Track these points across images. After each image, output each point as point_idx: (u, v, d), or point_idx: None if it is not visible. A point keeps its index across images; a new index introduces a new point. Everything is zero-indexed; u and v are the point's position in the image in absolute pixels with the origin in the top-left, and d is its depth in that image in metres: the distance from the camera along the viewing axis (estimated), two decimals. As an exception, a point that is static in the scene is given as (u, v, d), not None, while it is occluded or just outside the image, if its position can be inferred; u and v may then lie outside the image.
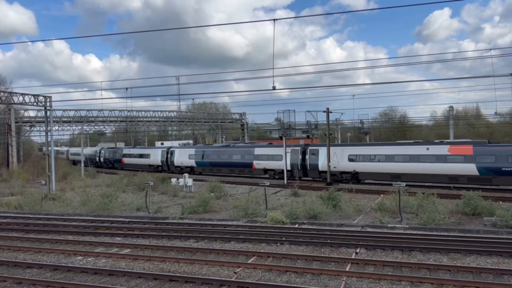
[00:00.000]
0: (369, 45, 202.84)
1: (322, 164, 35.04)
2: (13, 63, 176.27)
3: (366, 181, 35.57)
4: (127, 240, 17.18)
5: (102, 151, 64.53)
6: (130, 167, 56.12)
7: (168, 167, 49.81)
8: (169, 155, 49.52)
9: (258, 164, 40.17)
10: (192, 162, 46.78)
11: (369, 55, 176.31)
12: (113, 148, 67.95)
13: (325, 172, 34.59)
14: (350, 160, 33.64)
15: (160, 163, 50.73)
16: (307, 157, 36.41)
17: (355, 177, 33.91)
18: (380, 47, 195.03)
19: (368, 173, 33.16)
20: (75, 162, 70.74)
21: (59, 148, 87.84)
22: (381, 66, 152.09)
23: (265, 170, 39.95)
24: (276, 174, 39.02)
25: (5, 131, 52.62)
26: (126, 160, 57.50)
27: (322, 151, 35.23)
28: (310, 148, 36.82)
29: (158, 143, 76.10)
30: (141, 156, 54.68)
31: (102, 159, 63.74)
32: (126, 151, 59.34)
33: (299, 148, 37.40)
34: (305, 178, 37.20)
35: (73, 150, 79.51)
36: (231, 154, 43.22)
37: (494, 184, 27.93)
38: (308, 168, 36.34)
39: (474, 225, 18.12)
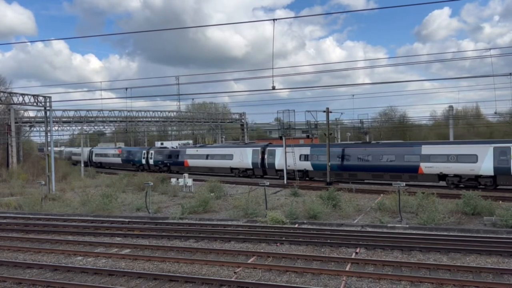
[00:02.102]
0: (368, 44, 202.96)
1: None
2: (12, 63, 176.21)
3: (365, 180, 33.35)
4: (127, 240, 17.18)
5: (152, 152, 53.61)
6: (198, 171, 45.35)
7: (263, 171, 40.05)
8: (266, 156, 39.39)
9: (429, 167, 30.06)
10: (305, 165, 36.59)
11: (368, 55, 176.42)
12: (166, 147, 57.11)
13: None
14: None
15: (250, 166, 40.68)
16: None
17: None
18: (379, 47, 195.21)
19: None
20: (101, 165, 63.72)
21: (72, 149, 78.35)
22: (380, 66, 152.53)
23: (442, 176, 29.90)
24: (461, 181, 29.04)
25: (4, 131, 52.58)
26: (192, 162, 46.55)
27: None
28: None
29: (157, 143, 75.69)
30: (218, 157, 44.17)
31: (151, 161, 52.88)
32: (191, 151, 48.20)
33: (510, 145, 27.48)
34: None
35: (98, 150, 68.87)
36: (378, 154, 32.75)
37: None
38: None
39: (474, 225, 18.13)
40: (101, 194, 26.09)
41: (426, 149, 30.85)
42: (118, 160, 59.74)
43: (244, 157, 41.22)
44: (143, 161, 54.28)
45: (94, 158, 65.37)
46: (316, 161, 35.99)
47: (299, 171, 36.27)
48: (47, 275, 12.76)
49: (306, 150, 37.04)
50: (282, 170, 37.41)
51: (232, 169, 42.49)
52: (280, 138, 37.96)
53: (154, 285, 11.56)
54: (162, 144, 72.04)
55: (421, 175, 30.60)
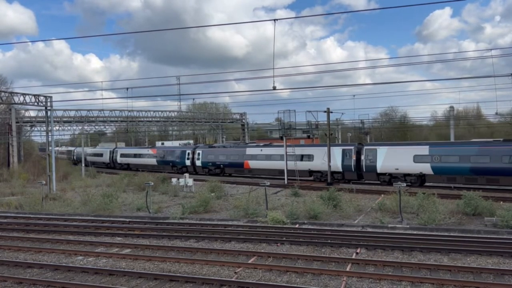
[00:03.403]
0: (369, 45, 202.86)
1: None
2: (13, 63, 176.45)
3: (366, 181, 32.84)
4: (128, 240, 17.19)
5: (199, 151, 46.45)
6: (263, 174, 39.70)
7: (358, 175, 33.84)
8: (363, 156, 33.01)
9: None
10: (422, 168, 30.23)
11: (369, 55, 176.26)
12: (216, 146, 50.01)
13: None
14: None
15: (340, 169, 34.37)
16: None
17: None
18: (380, 47, 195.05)
19: None
20: (128, 167, 56.66)
21: (91, 149, 69.30)
22: (381, 66, 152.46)
23: None
24: None
25: (5, 131, 52.66)
26: (254, 163, 40.31)
27: None
28: None
29: (158, 143, 75.37)
30: (292, 157, 37.12)
31: (198, 163, 45.94)
32: (254, 150, 41.58)
33: None
34: None
35: (125, 150, 61.32)
36: None
37: None
38: None
39: (475, 225, 18.12)
40: (101, 194, 26.12)
41: None
42: (151, 161, 52.50)
43: (332, 158, 34.62)
44: (187, 163, 47.37)
45: (119, 159, 58.44)
46: (439, 163, 29.63)
47: (410, 174, 30.73)
48: (48, 275, 12.76)
49: (422, 150, 30.72)
50: (386, 174, 31.95)
51: (311, 172, 36.46)
52: (281, 138, 37.94)
53: (154, 285, 11.56)
54: (162, 144, 71.64)
55: None
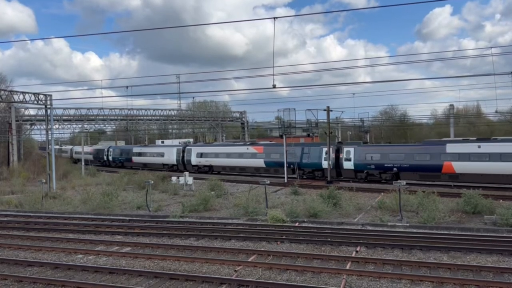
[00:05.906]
0: (369, 43, 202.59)
1: None
2: (13, 62, 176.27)
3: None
4: (128, 239, 17.20)
5: (349, 149, 34.49)
6: (480, 181, 27.25)
7: None
8: None
9: None
10: None
11: (369, 53, 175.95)
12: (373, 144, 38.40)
13: None
14: None
15: None
16: None
17: None
18: (381, 45, 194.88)
19: None
20: (211, 169, 44.46)
21: (139, 147, 57.50)
22: (381, 65, 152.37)
23: None
24: None
25: (5, 129, 52.64)
26: (462, 166, 28.86)
27: None
28: None
29: (158, 142, 75.12)
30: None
31: (349, 164, 34.00)
32: (461, 147, 29.47)
33: None
34: None
35: (205, 148, 47.53)
36: None
37: None
38: None
39: (475, 224, 18.14)
40: (101, 193, 26.14)
41: None
42: (255, 162, 40.59)
43: None
44: (324, 164, 35.08)
45: (195, 160, 45.67)
46: None
47: None
48: (48, 273, 12.77)
49: None
50: None
51: None
52: (281, 136, 37.94)
53: (154, 283, 11.57)
54: (162, 142, 71.41)
55: None
